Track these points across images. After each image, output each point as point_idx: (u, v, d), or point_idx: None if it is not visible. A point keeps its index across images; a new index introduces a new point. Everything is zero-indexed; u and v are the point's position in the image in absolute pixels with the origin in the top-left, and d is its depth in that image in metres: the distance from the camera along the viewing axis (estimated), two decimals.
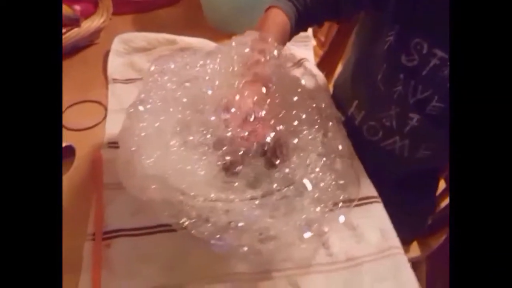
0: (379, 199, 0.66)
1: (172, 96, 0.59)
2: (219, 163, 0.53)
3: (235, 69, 0.59)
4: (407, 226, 0.69)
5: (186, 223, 0.53)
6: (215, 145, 0.55)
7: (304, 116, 0.58)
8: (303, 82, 0.64)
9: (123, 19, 1.00)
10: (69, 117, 0.78)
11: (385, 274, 0.58)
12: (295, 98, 0.60)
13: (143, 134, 0.54)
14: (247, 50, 0.60)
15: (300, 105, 0.59)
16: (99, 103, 0.82)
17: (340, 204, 0.57)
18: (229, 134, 0.53)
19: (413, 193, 0.77)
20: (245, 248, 0.53)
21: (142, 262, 0.59)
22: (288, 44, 0.74)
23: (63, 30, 0.86)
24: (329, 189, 0.54)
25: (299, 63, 0.90)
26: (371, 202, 0.66)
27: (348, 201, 0.60)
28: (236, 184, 0.55)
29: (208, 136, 0.56)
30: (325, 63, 1.11)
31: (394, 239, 0.62)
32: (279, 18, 0.70)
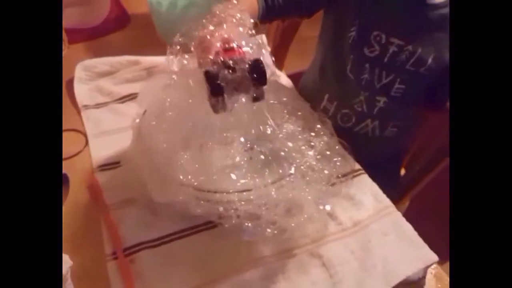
0: (363, 171, 0.76)
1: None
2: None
3: None
4: None
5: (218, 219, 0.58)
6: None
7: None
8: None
9: (79, 47, 1.00)
10: None
11: (388, 229, 0.67)
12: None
13: (164, 145, 0.58)
14: None
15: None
16: (77, 130, 0.82)
17: (342, 177, 0.65)
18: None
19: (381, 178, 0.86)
20: (274, 231, 0.58)
21: (172, 269, 0.61)
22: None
23: None
24: (331, 166, 0.62)
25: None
26: (359, 174, 0.75)
27: (343, 176, 0.69)
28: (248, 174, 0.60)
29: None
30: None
31: (386, 200, 0.71)
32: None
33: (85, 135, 0.81)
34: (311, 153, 0.62)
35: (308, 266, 0.62)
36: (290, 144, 0.64)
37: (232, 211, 0.56)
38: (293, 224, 0.59)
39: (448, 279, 0.65)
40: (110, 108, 0.87)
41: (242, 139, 0.63)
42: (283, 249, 0.64)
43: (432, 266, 0.63)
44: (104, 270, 0.60)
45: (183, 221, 0.66)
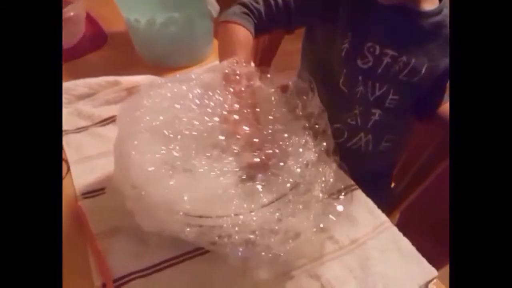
0: (356, 186, 0.74)
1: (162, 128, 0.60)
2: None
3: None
4: None
5: (211, 245, 0.56)
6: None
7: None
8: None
9: None
10: None
11: (386, 245, 0.65)
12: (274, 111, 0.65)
13: (151, 168, 0.55)
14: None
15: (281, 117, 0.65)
16: None
17: (335, 195, 0.64)
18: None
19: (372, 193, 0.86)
20: (269, 254, 0.56)
21: None
22: None
23: None
24: (329, 183, 0.60)
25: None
26: (352, 190, 0.73)
27: (337, 192, 0.68)
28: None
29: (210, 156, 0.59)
30: None
31: (381, 215, 0.70)
32: (241, 34, 0.73)
33: (67, 162, 0.77)
34: (303, 170, 0.60)
35: None
36: (281, 163, 0.63)
37: (226, 239, 0.54)
38: (288, 248, 0.57)
39: None
40: (91, 132, 0.83)
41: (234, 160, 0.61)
42: (280, 272, 0.62)
43: (433, 281, 0.62)
44: None
45: (175, 248, 0.63)
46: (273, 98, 0.64)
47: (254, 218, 0.55)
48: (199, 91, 0.65)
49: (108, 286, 0.59)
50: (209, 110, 0.61)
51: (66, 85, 0.89)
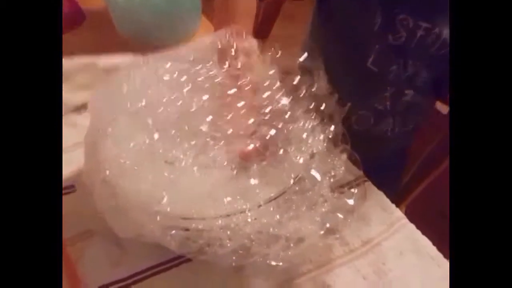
0: (366, 178, 0.65)
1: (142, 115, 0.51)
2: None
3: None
4: None
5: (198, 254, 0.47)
6: None
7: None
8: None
9: None
10: None
11: (404, 246, 0.57)
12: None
13: (127, 162, 0.46)
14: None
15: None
16: None
17: (344, 189, 0.55)
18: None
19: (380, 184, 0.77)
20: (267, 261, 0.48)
21: None
22: None
23: None
24: (338, 176, 0.51)
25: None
26: (363, 182, 0.65)
27: (346, 185, 0.59)
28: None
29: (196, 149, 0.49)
30: None
31: (396, 211, 0.61)
32: None
33: None
34: (308, 161, 0.51)
35: None
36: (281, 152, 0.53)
37: (216, 246, 0.44)
38: (290, 253, 0.48)
39: None
40: (65, 120, 0.74)
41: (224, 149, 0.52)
42: (281, 279, 0.53)
43: None
44: None
45: (157, 254, 0.54)
46: (273, 76, 0.55)
47: (249, 220, 0.46)
48: (185, 69, 0.56)
49: None
50: (196, 90, 0.52)
51: None
